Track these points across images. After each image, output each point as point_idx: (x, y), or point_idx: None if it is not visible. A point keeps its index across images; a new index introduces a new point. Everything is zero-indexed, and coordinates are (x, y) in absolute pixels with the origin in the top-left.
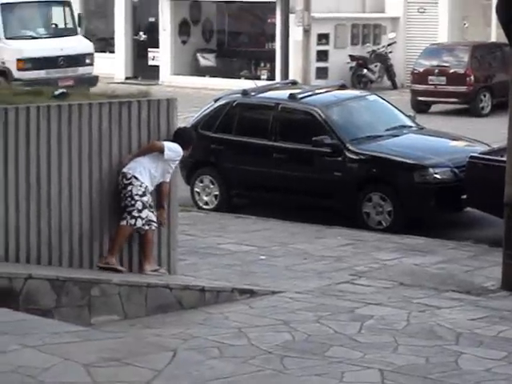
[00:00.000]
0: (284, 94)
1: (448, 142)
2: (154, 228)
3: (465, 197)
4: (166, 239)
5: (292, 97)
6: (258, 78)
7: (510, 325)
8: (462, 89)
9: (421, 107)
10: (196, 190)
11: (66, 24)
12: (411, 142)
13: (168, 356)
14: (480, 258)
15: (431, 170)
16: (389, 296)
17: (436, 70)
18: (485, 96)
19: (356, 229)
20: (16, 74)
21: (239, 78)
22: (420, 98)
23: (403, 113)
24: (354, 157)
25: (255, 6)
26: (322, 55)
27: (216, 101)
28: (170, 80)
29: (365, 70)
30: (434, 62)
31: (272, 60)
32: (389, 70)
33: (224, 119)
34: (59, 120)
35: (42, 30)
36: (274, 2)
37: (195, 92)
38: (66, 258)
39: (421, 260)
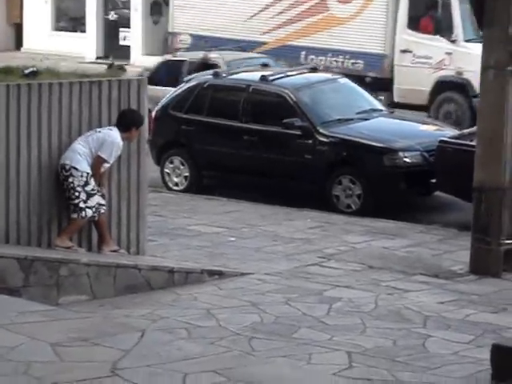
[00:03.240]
0: (255, 75)
1: (418, 125)
2: (103, 211)
3: (434, 181)
4: (136, 220)
5: (263, 79)
6: None
7: (477, 308)
8: None
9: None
10: (166, 171)
11: None
12: (381, 125)
13: (136, 336)
14: (448, 242)
15: (401, 153)
16: (357, 279)
17: None
18: None
19: (326, 211)
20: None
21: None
22: None
23: (374, 96)
24: (325, 139)
25: None
26: None
27: (187, 82)
28: (142, 60)
29: None
30: None
31: None
32: None
33: (195, 100)
34: (29, 99)
35: None
36: None
37: None
38: (35, 238)
39: (390, 243)
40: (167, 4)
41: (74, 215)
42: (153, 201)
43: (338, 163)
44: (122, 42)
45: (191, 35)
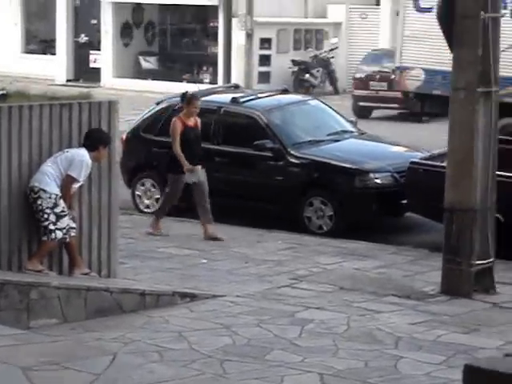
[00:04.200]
0: (226, 97)
1: (389, 147)
2: (73, 234)
3: (405, 202)
4: (107, 242)
5: (234, 100)
6: (201, 82)
7: (449, 329)
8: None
9: (362, 112)
10: (137, 193)
11: None
12: (352, 146)
13: (108, 360)
14: (420, 263)
15: (372, 174)
16: (329, 300)
17: (377, 76)
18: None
19: (297, 233)
20: None
21: (181, 82)
22: (361, 104)
23: (345, 118)
24: (296, 161)
25: (198, 9)
26: (265, 59)
27: (158, 104)
28: (112, 83)
29: (307, 75)
30: (376, 68)
31: (214, 64)
32: (331, 75)
33: (166, 122)
34: None
35: None
36: (217, 6)
37: (137, 95)
38: (6, 261)
39: (361, 264)
40: (138, 27)
41: (44, 237)
42: (124, 223)
43: (309, 185)
44: (92, 65)
45: (424, 70)
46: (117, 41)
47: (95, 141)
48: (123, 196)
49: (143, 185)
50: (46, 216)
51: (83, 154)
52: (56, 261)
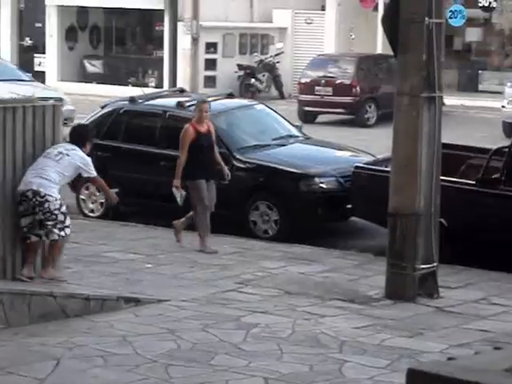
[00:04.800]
0: (172, 101)
1: (334, 151)
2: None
3: (350, 206)
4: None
5: (180, 105)
6: (146, 86)
7: (393, 333)
8: (348, 99)
9: (307, 117)
10: (82, 197)
11: None
12: (297, 151)
13: (51, 364)
14: (364, 267)
15: (317, 179)
16: (274, 304)
17: (322, 81)
18: (370, 107)
19: (243, 237)
20: None
21: (127, 85)
22: (307, 108)
23: (290, 122)
24: (242, 165)
25: (143, 13)
26: (210, 64)
27: (103, 107)
28: (57, 86)
29: (252, 80)
30: (321, 73)
31: (160, 68)
32: (276, 80)
33: (111, 126)
34: None
35: None
36: (163, 10)
37: (82, 98)
38: None
39: (306, 268)
40: (83, 30)
41: (54, 237)
42: None
43: (254, 189)
44: (37, 68)
45: None
46: (61, 44)
47: (82, 137)
48: (68, 200)
49: (87, 189)
50: (54, 217)
51: (82, 154)
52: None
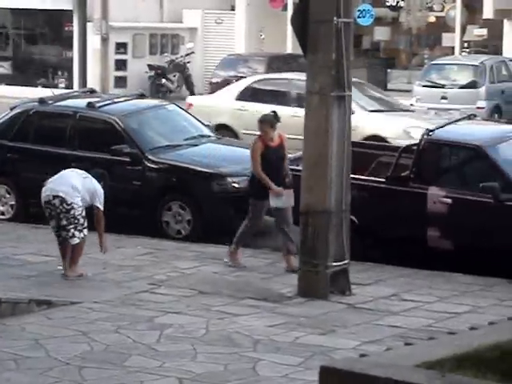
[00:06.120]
0: (82, 102)
1: (246, 151)
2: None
3: None
4: None
5: (90, 105)
6: (56, 87)
7: (306, 330)
8: None
9: None
10: None
11: None
12: (209, 151)
13: None
14: (277, 266)
15: (229, 179)
16: (188, 304)
17: (234, 81)
18: None
19: (156, 238)
20: None
21: (36, 87)
22: None
23: (202, 122)
24: (154, 166)
25: (52, 13)
26: (121, 64)
27: (12, 109)
28: None
29: (163, 80)
30: (232, 73)
31: (70, 68)
32: (187, 80)
33: (21, 128)
34: None
35: None
36: (71, 10)
37: None
38: None
39: (219, 268)
40: None
41: (75, 240)
42: None
43: (167, 189)
44: None
45: None
46: None
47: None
48: None
49: None
50: (76, 221)
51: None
52: None
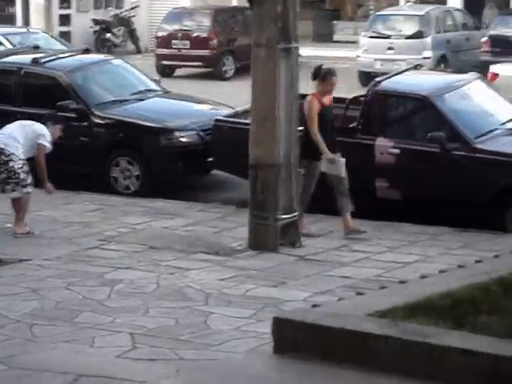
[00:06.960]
0: (27, 58)
1: (193, 105)
2: (30, 190)
3: (211, 159)
4: None
5: (35, 61)
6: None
7: (257, 283)
8: (206, 52)
9: (165, 71)
10: None
11: None
12: (157, 105)
13: None
14: (227, 219)
15: (177, 133)
16: (138, 260)
17: (179, 34)
18: (228, 59)
19: (104, 194)
20: None
21: None
22: (164, 62)
23: (148, 77)
24: (100, 121)
25: None
26: (65, 19)
27: None
28: None
29: (108, 34)
30: (177, 27)
31: (13, 24)
32: (132, 34)
33: None
34: None
35: None
36: None
37: None
38: None
39: (170, 223)
40: None
41: (16, 194)
42: None
43: (114, 145)
44: None
45: None
46: None
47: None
48: None
49: None
50: (17, 175)
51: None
52: None
